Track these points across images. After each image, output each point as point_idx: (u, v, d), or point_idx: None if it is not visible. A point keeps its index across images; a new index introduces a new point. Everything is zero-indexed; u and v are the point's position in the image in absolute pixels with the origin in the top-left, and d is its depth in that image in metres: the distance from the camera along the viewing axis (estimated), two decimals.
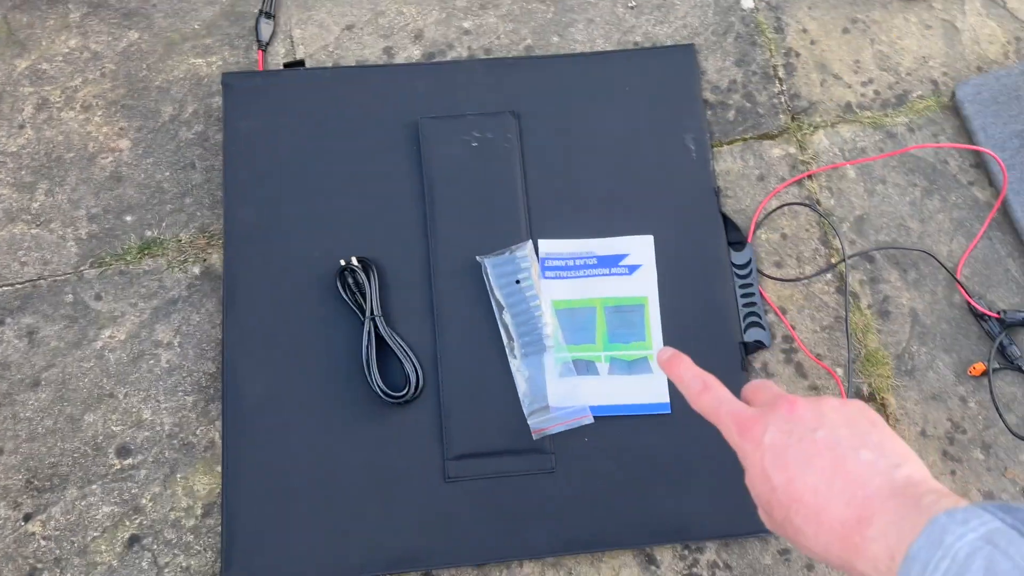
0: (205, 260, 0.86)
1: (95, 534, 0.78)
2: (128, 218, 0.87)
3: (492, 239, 0.82)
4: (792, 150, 0.89)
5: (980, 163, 0.88)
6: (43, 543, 0.78)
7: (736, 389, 0.78)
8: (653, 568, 0.77)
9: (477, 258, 0.81)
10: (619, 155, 0.86)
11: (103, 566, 0.77)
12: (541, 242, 0.83)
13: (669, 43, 0.92)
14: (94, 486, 0.79)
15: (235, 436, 0.77)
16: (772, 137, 0.89)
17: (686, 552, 0.78)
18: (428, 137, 0.85)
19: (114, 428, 0.81)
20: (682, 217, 0.84)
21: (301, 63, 0.89)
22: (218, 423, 0.81)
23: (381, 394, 0.77)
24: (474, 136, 0.85)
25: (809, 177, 0.87)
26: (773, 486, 0.46)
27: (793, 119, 0.90)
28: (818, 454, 0.45)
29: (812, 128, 0.90)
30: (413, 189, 0.84)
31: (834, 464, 0.44)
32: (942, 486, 0.42)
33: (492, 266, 0.81)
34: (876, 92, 0.91)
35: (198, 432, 0.81)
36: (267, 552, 0.74)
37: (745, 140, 0.89)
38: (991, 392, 0.79)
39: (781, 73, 0.92)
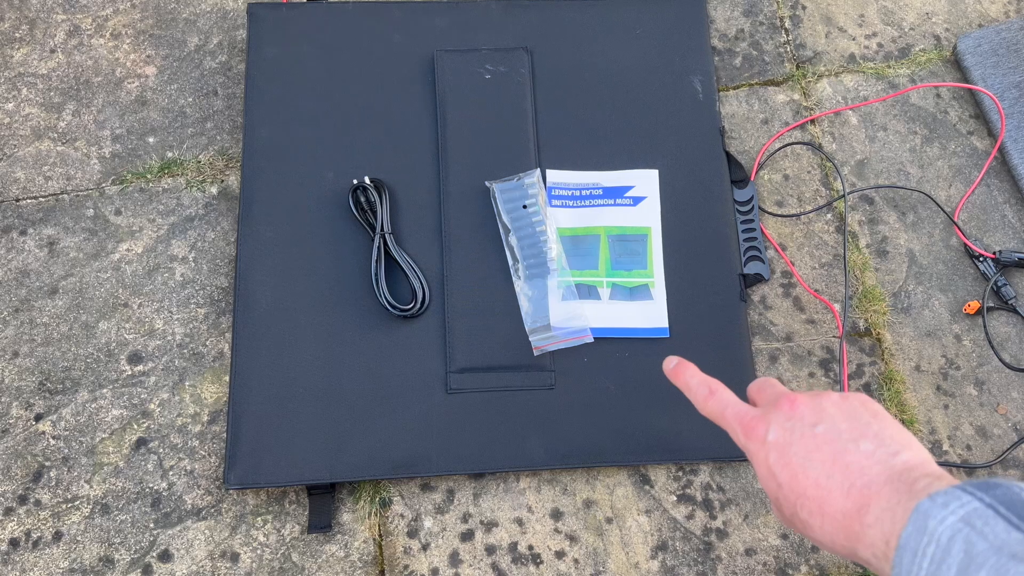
0: (223, 181, 0.88)
1: (103, 435, 0.80)
2: (151, 139, 0.90)
3: (501, 166, 0.85)
4: (796, 96, 0.91)
5: (979, 114, 0.90)
6: (52, 442, 0.80)
7: (736, 317, 0.80)
8: (647, 488, 0.79)
9: (486, 183, 0.84)
10: (628, 93, 0.88)
11: (110, 466, 0.79)
12: (549, 172, 0.85)
13: None
14: (105, 390, 0.81)
15: (244, 342, 0.79)
16: (777, 83, 0.92)
17: (680, 474, 0.79)
18: (443, 68, 0.88)
19: (127, 336, 0.83)
20: (687, 154, 0.87)
21: None
22: (228, 335, 0.83)
23: (388, 307, 0.79)
24: (487, 69, 0.88)
25: (812, 122, 0.90)
26: (779, 483, 0.47)
27: (798, 67, 0.92)
28: (818, 448, 0.46)
29: (816, 76, 0.92)
30: (427, 117, 0.87)
31: (834, 456, 0.46)
32: (939, 469, 0.44)
33: (500, 191, 0.83)
34: (879, 45, 0.93)
35: (208, 343, 0.83)
36: (270, 454, 0.76)
37: (751, 85, 0.92)
38: (985, 330, 0.81)
39: (787, 24, 0.94)
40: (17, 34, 0.94)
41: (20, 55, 0.93)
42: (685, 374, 0.57)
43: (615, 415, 0.78)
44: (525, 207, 0.83)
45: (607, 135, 0.87)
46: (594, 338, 0.80)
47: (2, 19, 0.94)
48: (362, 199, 0.83)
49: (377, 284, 0.80)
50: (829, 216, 0.87)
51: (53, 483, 0.78)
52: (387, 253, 0.81)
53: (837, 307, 0.82)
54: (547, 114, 0.87)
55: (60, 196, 0.88)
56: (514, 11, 0.92)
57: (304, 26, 0.90)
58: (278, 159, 0.85)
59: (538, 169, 0.84)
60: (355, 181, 0.83)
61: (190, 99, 0.92)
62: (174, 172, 0.89)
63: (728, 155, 0.87)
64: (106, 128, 0.90)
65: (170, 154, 0.89)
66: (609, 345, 0.80)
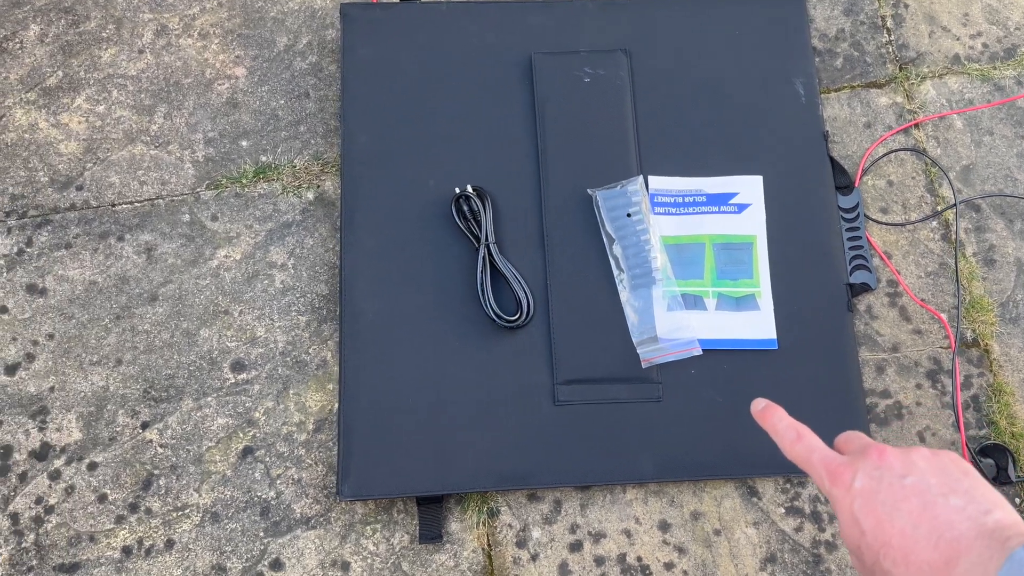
0: (319, 187, 0.88)
1: (210, 444, 0.80)
2: (244, 143, 0.89)
3: (602, 173, 0.84)
4: (899, 99, 0.89)
5: None
6: (160, 451, 0.80)
7: (844, 329, 0.79)
8: (755, 500, 0.79)
9: (588, 191, 0.83)
10: (728, 96, 0.87)
11: (217, 475, 0.79)
12: (651, 178, 0.84)
13: None
14: (209, 398, 0.81)
15: (352, 353, 0.79)
16: (879, 86, 0.90)
17: (788, 486, 0.79)
18: (541, 71, 0.86)
19: (229, 344, 0.83)
20: (791, 159, 0.85)
21: None
22: (330, 343, 0.83)
23: (495, 318, 0.79)
24: (586, 72, 0.86)
25: (916, 126, 0.88)
26: (863, 530, 0.47)
27: (900, 69, 0.90)
28: (906, 499, 0.46)
29: (919, 78, 0.90)
30: (526, 122, 0.86)
31: (922, 508, 0.45)
32: None
33: (604, 199, 0.82)
34: (984, 45, 0.91)
35: (311, 351, 0.83)
36: (380, 465, 0.76)
37: (852, 88, 0.90)
38: None
39: (889, 23, 0.92)
40: (104, 34, 0.93)
41: (108, 55, 0.92)
42: (773, 417, 0.57)
43: (723, 428, 0.78)
44: (629, 215, 0.82)
45: (709, 140, 0.86)
46: (702, 350, 0.79)
47: (88, 18, 0.93)
48: (464, 208, 0.82)
49: (483, 295, 0.79)
50: (935, 223, 0.86)
51: (163, 491, 0.79)
52: (491, 263, 0.81)
53: (945, 317, 0.81)
54: (647, 118, 0.86)
55: (155, 201, 0.87)
56: (611, 10, 0.90)
57: (397, 27, 0.88)
58: (377, 166, 0.84)
59: (640, 176, 0.83)
60: (457, 190, 0.82)
61: (282, 101, 0.91)
62: (269, 177, 0.88)
63: (832, 160, 0.85)
64: (198, 131, 0.89)
65: (264, 158, 0.89)
66: (716, 357, 0.80)
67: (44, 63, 0.91)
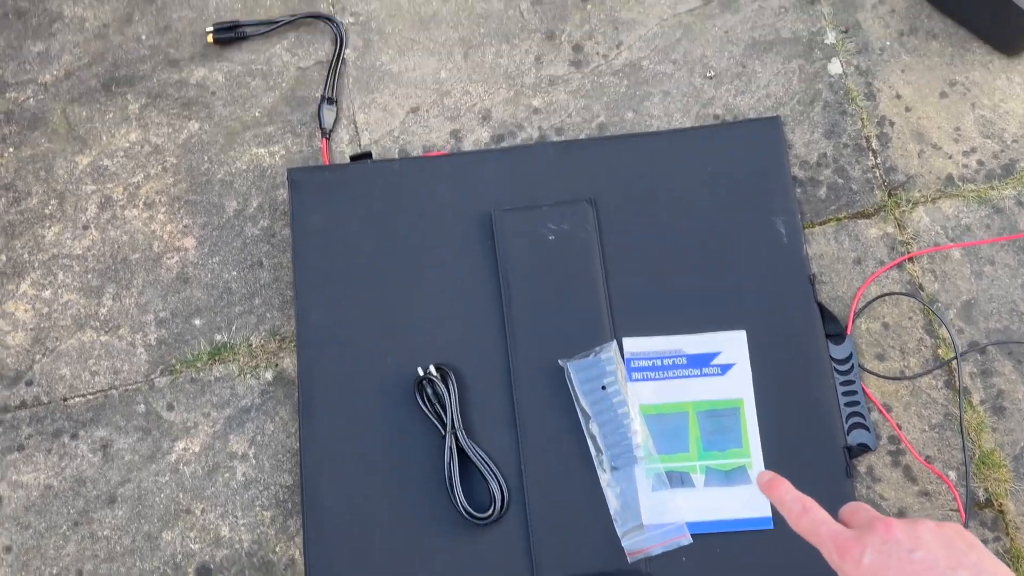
0: (277, 365, 0.83)
1: None
2: (197, 321, 0.85)
3: (574, 340, 0.78)
4: (890, 229, 0.83)
5: None
6: None
7: (843, 497, 0.74)
8: None
9: (560, 362, 0.77)
10: (705, 242, 0.81)
11: None
12: (626, 340, 0.79)
13: (752, 115, 0.87)
14: None
15: (316, 557, 0.74)
16: (868, 215, 0.83)
17: None
18: (502, 231, 0.81)
19: (192, 546, 0.79)
20: (776, 309, 0.79)
21: (368, 155, 0.85)
22: (297, 539, 0.78)
23: (465, 515, 0.74)
24: (550, 228, 0.81)
25: (910, 259, 0.82)
26: None
27: (890, 195, 0.84)
28: (916, 574, 0.47)
29: (911, 204, 0.84)
30: (489, 287, 0.80)
31: None
32: None
33: (576, 371, 0.77)
34: (980, 162, 0.85)
35: (277, 549, 0.78)
36: None
37: (839, 220, 0.84)
38: None
39: (875, 144, 0.86)
40: (47, 210, 0.88)
41: (52, 235, 0.88)
42: (780, 489, 0.57)
43: None
44: (604, 388, 0.76)
45: (685, 292, 0.80)
46: (691, 536, 0.74)
47: (29, 194, 0.89)
48: (428, 390, 0.77)
49: (452, 491, 0.74)
50: (937, 370, 0.79)
51: None
52: (459, 448, 0.76)
53: (952, 476, 0.75)
54: (618, 273, 0.80)
55: (109, 392, 0.83)
56: (572, 152, 0.84)
57: (349, 190, 0.83)
58: (334, 344, 0.79)
59: (614, 341, 0.78)
60: (420, 371, 0.77)
61: (234, 272, 0.86)
62: (225, 358, 0.83)
63: (821, 307, 0.79)
64: (149, 312, 0.85)
65: (219, 337, 0.84)
66: (708, 540, 0.74)
67: None
